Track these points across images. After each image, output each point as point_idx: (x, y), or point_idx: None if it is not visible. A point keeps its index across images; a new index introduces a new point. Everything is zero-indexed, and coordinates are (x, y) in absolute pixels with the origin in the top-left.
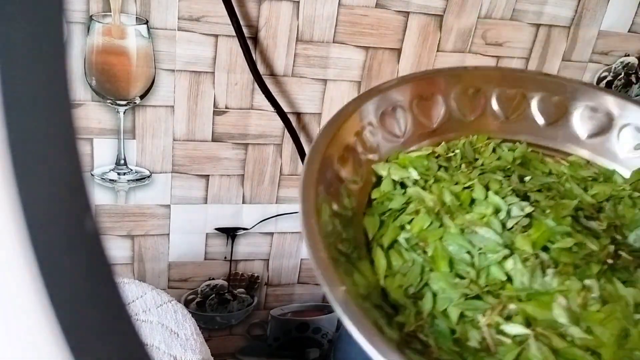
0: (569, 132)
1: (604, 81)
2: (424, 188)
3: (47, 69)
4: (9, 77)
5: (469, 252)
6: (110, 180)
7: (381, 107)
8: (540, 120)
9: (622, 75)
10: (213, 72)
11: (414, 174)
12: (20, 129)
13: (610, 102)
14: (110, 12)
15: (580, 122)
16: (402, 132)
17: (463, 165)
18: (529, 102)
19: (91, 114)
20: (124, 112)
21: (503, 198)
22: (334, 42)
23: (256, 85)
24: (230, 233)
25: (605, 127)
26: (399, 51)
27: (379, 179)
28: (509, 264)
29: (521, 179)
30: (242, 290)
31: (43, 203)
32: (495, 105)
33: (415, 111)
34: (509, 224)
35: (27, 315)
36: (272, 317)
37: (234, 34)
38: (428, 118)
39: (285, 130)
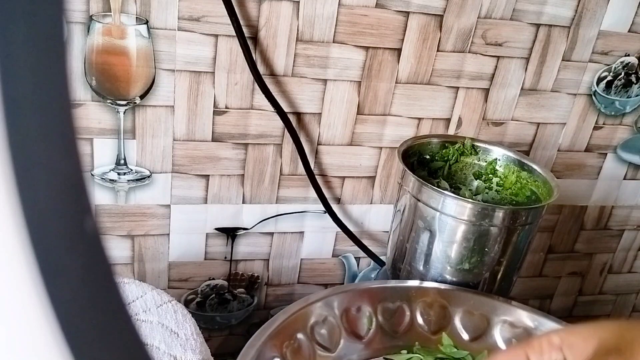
0: (493, 348)
1: (604, 81)
2: None
3: (47, 69)
4: (9, 77)
5: None
6: (110, 180)
7: (345, 304)
8: (464, 335)
9: (622, 75)
10: (213, 72)
11: None
12: (20, 129)
13: (526, 317)
14: (110, 12)
15: (500, 337)
16: (365, 334)
17: None
18: (452, 317)
19: (91, 114)
20: (124, 112)
21: None
22: (334, 42)
23: (256, 85)
24: (230, 233)
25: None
26: (399, 51)
27: None
28: None
29: None
30: (242, 290)
31: (43, 203)
32: (420, 319)
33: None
34: None
35: (27, 315)
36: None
37: (234, 34)
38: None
39: (285, 130)
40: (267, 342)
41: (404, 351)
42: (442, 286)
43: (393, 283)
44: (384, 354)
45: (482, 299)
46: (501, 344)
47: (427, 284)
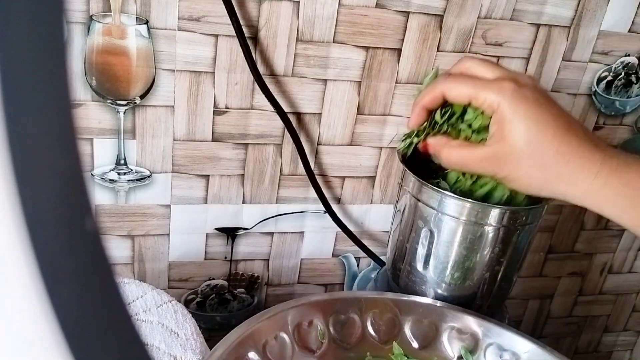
0: (442, 355)
1: (604, 81)
2: None
3: (47, 69)
4: (9, 77)
5: None
6: (110, 180)
7: (296, 319)
8: (414, 344)
9: (622, 75)
10: (213, 72)
11: None
12: (20, 129)
13: (473, 323)
14: (110, 12)
15: (449, 344)
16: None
17: None
18: (402, 325)
19: (91, 114)
20: (124, 112)
21: None
22: (334, 42)
23: (256, 85)
24: (231, 233)
25: (472, 347)
26: (399, 51)
27: None
28: None
29: None
30: (242, 290)
31: (43, 203)
32: (370, 329)
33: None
34: None
35: (27, 315)
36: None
37: (234, 34)
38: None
39: (285, 130)
40: None
41: None
42: (391, 295)
43: (343, 294)
44: None
45: (431, 307)
46: (449, 351)
47: (376, 294)
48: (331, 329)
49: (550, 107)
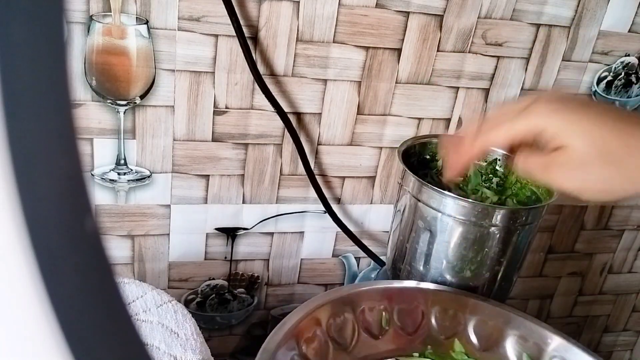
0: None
1: (604, 81)
2: None
3: (47, 69)
4: (9, 77)
5: None
6: (110, 180)
7: (362, 304)
8: (476, 343)
9: (622, 75)
10: (213, 72)
11: None
12: (20, 129)
13: (538, 332)
14: (110, 12)
15: (512, 349)
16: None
17: None
18: (466, 324)
19: (91, 114)
20: (124, 112)
21: None
22: (334, 42)
23: (256, 85)
24: (231, 233)
25: (535, 356)
26: (399, 51)
27: None
28: None
29: None
30: (242, 290)
31: (43, 203)
32: (434, 322)
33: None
34: None
35: (27, 315)
36: (272, 317)
37: (234, 34)
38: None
39: (285, 130)
40: (287, 337)
41: (416, 354)
42: (459, 292)
43: (409, 284)
44: (397, 355)
45: (498, 310)
46: (511, 357)
47: (444, 289)
48: (395, 317)
49: (592, 106)
